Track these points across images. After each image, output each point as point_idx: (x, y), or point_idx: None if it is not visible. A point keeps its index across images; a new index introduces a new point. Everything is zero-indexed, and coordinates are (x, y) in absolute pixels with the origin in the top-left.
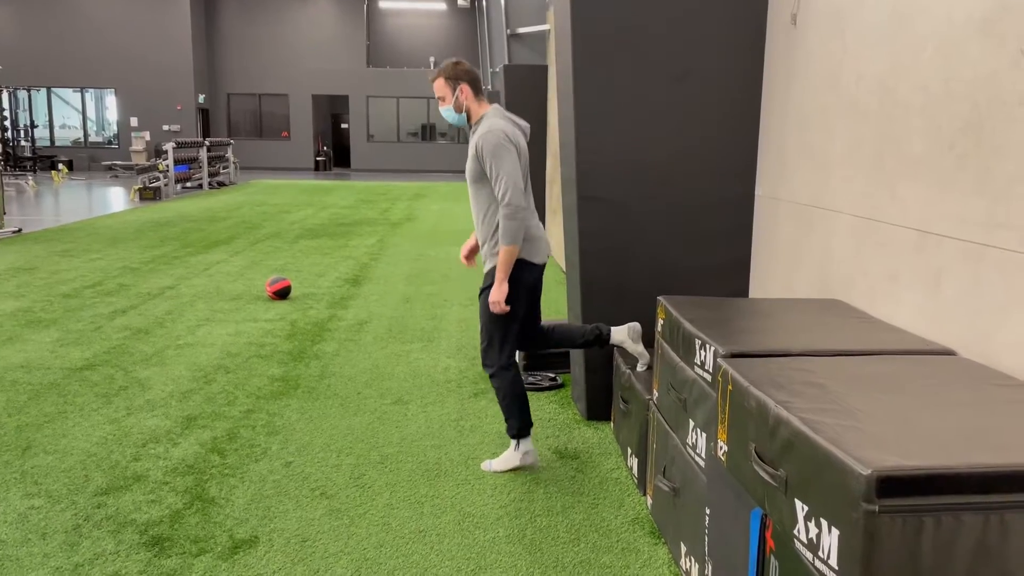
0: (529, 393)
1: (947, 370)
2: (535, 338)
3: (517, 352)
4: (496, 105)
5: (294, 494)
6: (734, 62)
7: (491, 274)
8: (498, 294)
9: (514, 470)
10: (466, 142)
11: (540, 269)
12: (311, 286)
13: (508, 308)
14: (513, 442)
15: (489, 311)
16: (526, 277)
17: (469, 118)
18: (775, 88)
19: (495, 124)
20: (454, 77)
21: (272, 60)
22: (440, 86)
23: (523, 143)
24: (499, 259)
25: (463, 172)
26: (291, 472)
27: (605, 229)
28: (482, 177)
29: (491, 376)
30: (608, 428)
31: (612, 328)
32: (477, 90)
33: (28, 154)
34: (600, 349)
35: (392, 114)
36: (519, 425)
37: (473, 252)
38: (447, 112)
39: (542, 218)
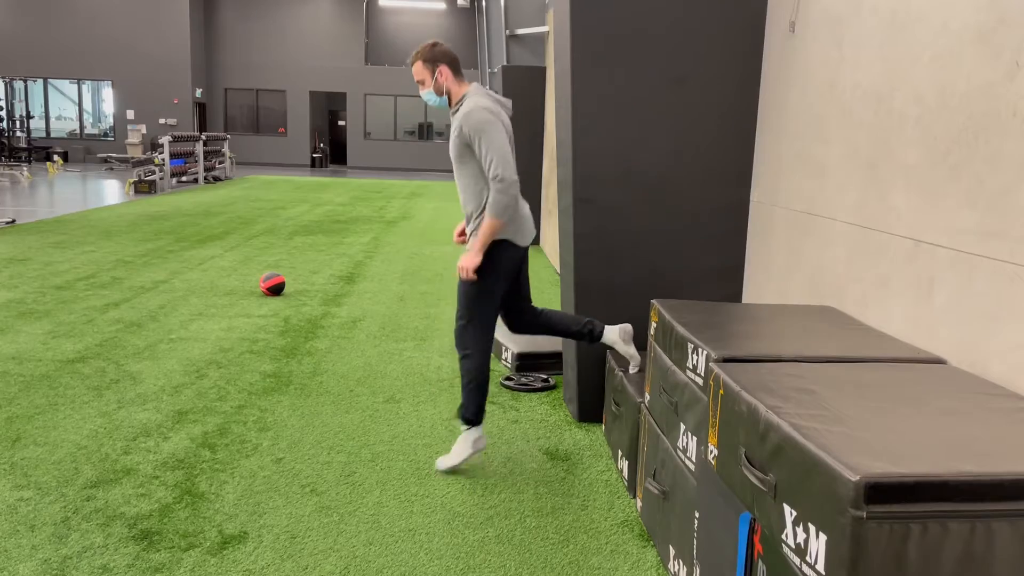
0: (521, 394)
1: (937, 378)
2: (527, 321)
3: (509, 352)
4: (476, 83)
5: (284, 490)
6: (732, 67)
7: None
8: (470, 261)
9: (466, 460)
10: None
11: (523, 251)
12: (305, 283)
13: (474, 277)
14: (465, 428)
15: (469, 291)
16: (508, 257)
17: (450, 100)
18: (772, 94)
19: (478, 102)
20: (432, 59)
21: (270, 56)
22: (419, 69)
23: (507, 120)
24: (481, 229)
25: None
26: (281, 468)
27: (600, 231)
28: (467, 156)
29: (464, 358)
30: (599, 430)
31: (606, 327)
32: (456, 71)
33: (23, 145)
34: (590, 345)
35: (389, 112)
36: (476, 410)
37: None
38: (428, 95)
39: (537, 220)
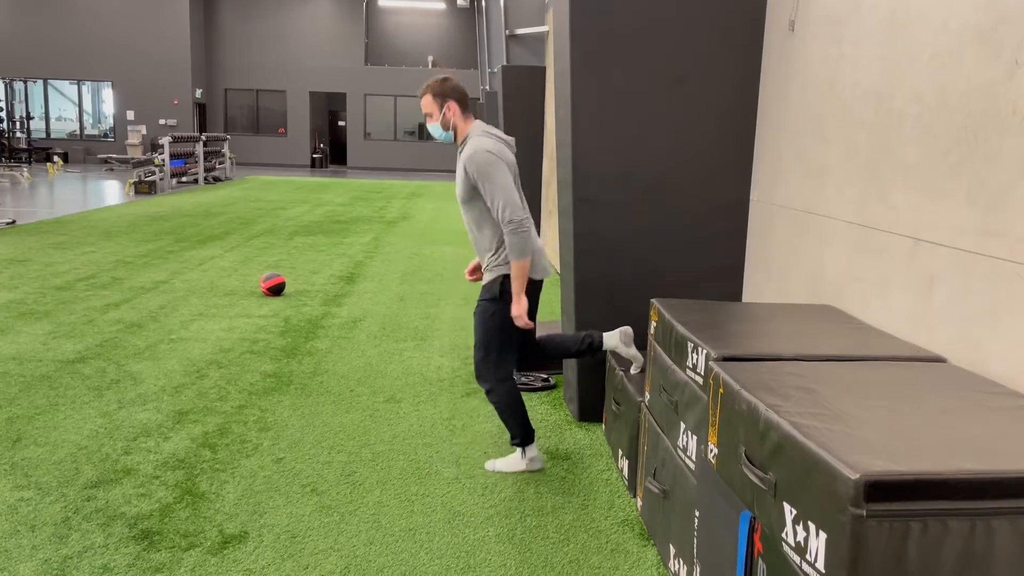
0: (521, 394)
1: (937, 377)
2: (531, 353)
3: None
4: (478, 122)
5: (284, 490)
6: (731, 66)
7: (489, 287)
8: (518, 309)
9: (514, 472)
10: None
11: (538, 285)
12: (305, 283)
13: (531, 324)
14: (519, 450)
15: (486, 324)
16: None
17: (456, 136)
18: (772, 94)
19: (481, 143)
20: (441, 95)
21: (270, 56)
22: (428, 103)
23: (511, 157)
24: (512, 275)
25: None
26: (282, 468)
27: (600, 231)
28: (473, 196)
29: (488, 391)
30: (600, 430)
31: (604, 334)
32: (464, 107)
33: (23, 146)
34: (593, 357)
35: (389, 112)
36: (522, 435)
37: (477, 269)
38: (434, 129)
39: (538, 220)
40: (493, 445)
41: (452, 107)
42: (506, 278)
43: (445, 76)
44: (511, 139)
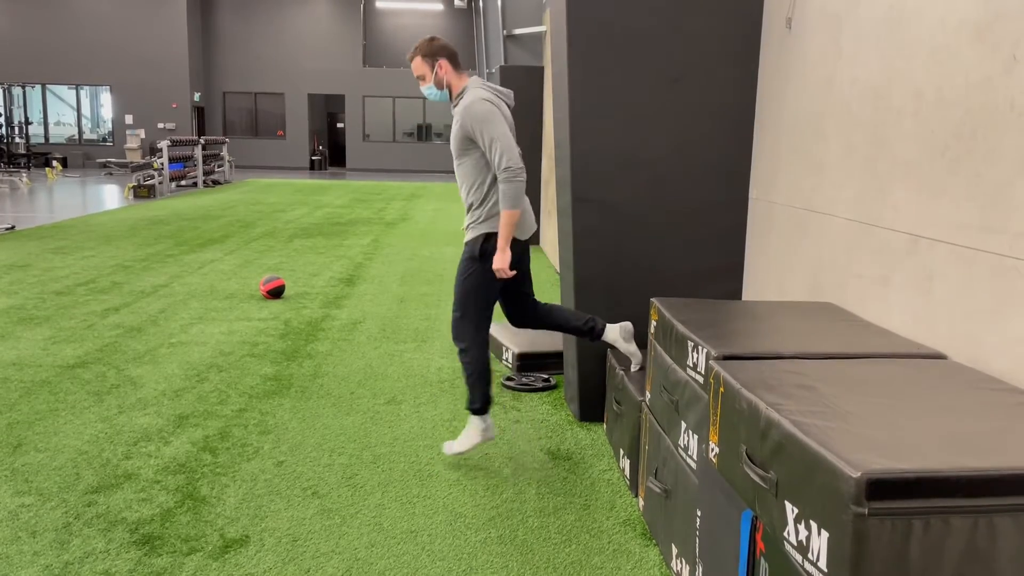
0: (522, 394)
1: (938, 373)
2: (529, 315)
3: (510, 352)
4: (476, 76)
5: (286, 493)
6: (729, 65)
7: (470, 245)
8: (500, 261)
9: (474, 447)
10: None
11: (521, 245)
12: (305, 285)
13: (513, 273)
14: (473, 418)
15: (464, 284)
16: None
17: (451, 93)
18: (770, 91)
19: (478, 94)
20: (431, 54)
21: (268, 59)
22: (419, 65)
23: (507, 111)
24: (500, 225)
25: None
26: (283, 471)
27: (599, 230)
28: (468, 148)
29: (462, 351)
30: (601, 429)
31: (607, 325)
32: (455, 64)
33: (22, 151)
34: (591, 343)
35: (388, 114)
36: (483, 401)
37: None
38: (429, 90)
39: (537, 219)
40: (494, 445)
41: (443, 65)
42: (487, 237)
43: (432, 36)
44: (509, 92)
